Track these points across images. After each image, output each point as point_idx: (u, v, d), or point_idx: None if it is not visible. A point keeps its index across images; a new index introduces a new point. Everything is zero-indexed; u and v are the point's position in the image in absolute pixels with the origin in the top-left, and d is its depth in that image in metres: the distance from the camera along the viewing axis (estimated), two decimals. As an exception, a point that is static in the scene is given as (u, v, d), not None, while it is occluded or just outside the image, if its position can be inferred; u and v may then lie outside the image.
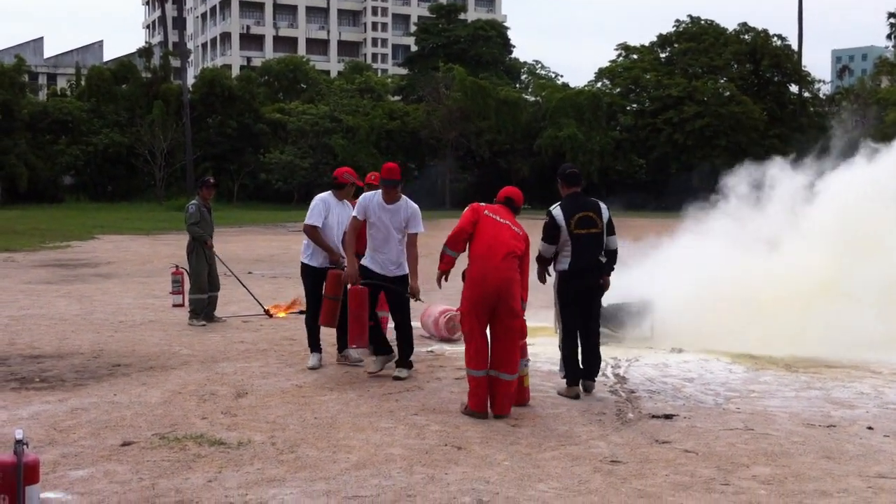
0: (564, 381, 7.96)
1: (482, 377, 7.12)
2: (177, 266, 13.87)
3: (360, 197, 8.42)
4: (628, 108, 70.66)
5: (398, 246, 8.33)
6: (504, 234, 7.24)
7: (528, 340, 7.69)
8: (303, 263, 9.09)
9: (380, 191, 8.33)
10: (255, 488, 5.37)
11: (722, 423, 6.91)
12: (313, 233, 8.87)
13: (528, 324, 8.42)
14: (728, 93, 67.96)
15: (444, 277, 7.57)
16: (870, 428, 6.76)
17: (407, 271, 8.39)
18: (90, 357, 9.42)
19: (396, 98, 72.90)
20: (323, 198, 9.06)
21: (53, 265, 20.65)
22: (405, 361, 8.51)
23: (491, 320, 7.20)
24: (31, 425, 6.61)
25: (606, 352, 9.76)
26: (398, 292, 8.41)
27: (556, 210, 7.90)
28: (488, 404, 7.12)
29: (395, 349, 8.64)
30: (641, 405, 7.50)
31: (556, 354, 9.51)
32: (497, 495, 5.25)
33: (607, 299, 10.47)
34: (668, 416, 7.11)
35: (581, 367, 7.93)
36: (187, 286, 12.92)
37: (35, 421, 6.82)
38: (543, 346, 9.86)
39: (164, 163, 55.52)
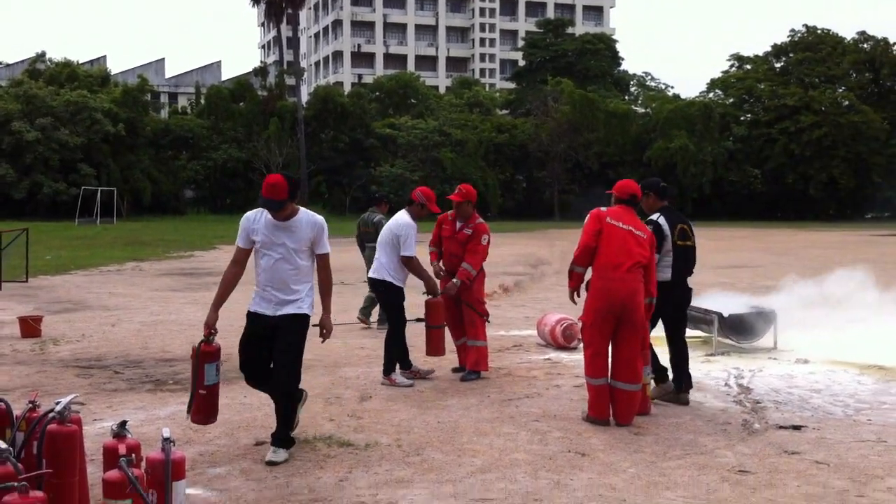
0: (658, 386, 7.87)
1: (602, 385, 7.11)
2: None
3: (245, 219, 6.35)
4: (742, 118, 69.20)
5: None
6: (629, 242, 7.12)
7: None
8: (393, 284, 8.68)
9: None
10: (384, 488, 5.51)
11: (853, 435, 6.73)
12: (412, 263, 8.59)
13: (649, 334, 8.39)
14: (847, 102, 65.92)
15: (576, 293, 7.48)
16: None
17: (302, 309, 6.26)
18: (219, 362, 9.76)
19: (504, 112, 73.22)
20: (411, 224, 8.66)
21: (178, 273, 21.48)
22: (281, 436, 6.22)
23: (614, 332, 7.17)
24: (168, 425, 6.89)
25: (729, 362, 9.65)
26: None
27: (662, 220, 7.79)
28: (610, 412, 7.10)
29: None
30: (768, 416, 7.35)
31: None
32: (624, 502, 5.24)
33: (729, 309, 10.37)
34: (796, 427, 6.95)
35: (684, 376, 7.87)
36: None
37: (172, 421, 7.12)
38: (662, 357, 9.72)
39: (279, 177, 57.01)
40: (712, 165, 62.99)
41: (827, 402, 7.87)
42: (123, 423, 4.37)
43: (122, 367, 9.63)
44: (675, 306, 7.89)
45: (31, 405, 5.00)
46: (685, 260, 7.90)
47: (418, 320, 12.09)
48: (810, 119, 63.18)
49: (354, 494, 5.40)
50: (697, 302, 11.39)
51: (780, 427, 6.97)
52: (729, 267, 23.39)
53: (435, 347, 8.71)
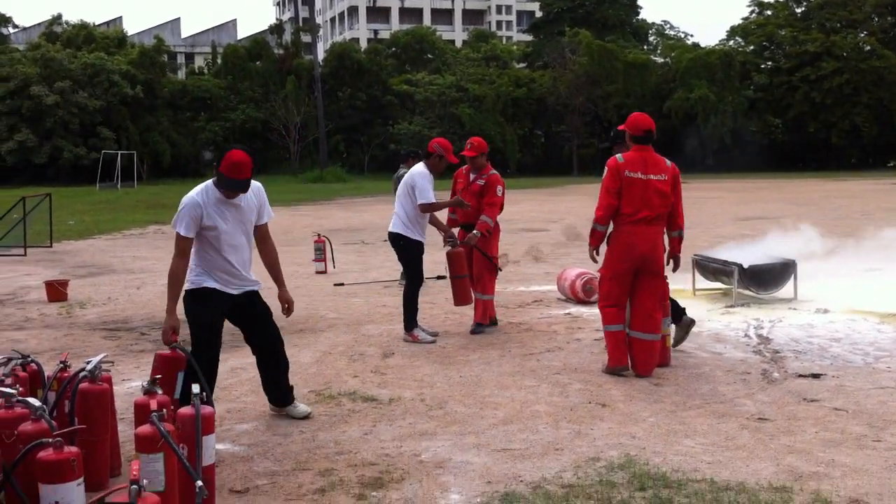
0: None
1: (619, 331, 7.14)
2: (318, 234, 14.40)
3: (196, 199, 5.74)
4: (762, 66, 68.33)
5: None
6: (649, 192, 6.99)
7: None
8: (409, 238, 8.59)
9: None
10: (408, 441, 5.62)
11: (872, 382, 6.77)
12: (431, 210, 8.56)
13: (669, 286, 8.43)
14: (869, 47, 64.87)
15: (595, 252, 7.39)
16: None
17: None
18: (243, 321, 9.90)
19: (522, 65, 72.61)
20: (425, 173, 8.59)
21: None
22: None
23: (633, 284, 7.20)
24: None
25: (749, 313, 9.69)
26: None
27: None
28: (628, 359, 7.16)
29: None
30: (787, 365, 7.41)
31: (696, 316, 9.49)
32: (644, 450, 5.33)
33: (749, 260, 10.39)
34: (815, 376, 7.00)
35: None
36: (328, 254, 13.91)
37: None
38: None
39: (297, 136, 57.17)
40: (733, 115, 62.36)
41: (846, 350, 7.91)
42: (154, 380, 4.49)
43: (148, 328, 9.79)
44: None
45: (61, 365, 5.14)
46: None
47: (439, 278, 12.19)
48: (832, 65, 62.27)
49: (379, 447, 5.52)
50: (717, 253, 11.44)
51: (800, 375, 7.03)
52: (751, 218, 23.30)
53: (462, 297, 8.75)
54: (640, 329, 7.13)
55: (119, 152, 49.71)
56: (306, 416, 6.12)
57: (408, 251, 8.73)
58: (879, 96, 61.92)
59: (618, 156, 7.14)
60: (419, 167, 8.73)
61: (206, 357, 5.64)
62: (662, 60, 70.11)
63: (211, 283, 5.72)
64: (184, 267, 5.60)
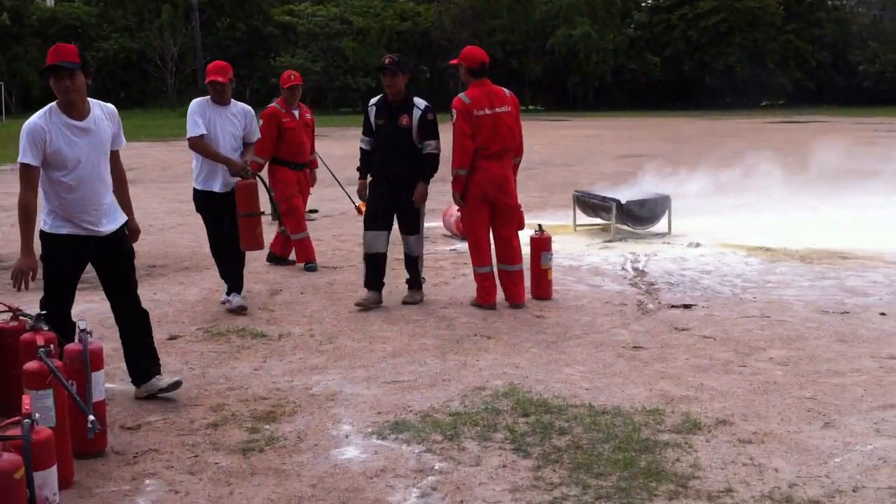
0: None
1: (487, 273, 7.45)
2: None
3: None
4: (643, 4, 69.42)
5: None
6: (498, 126, 7.21)
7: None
8: (196, 190, 7.40)
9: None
10: (299, 375, 5.72)
11: (739, 312, 7.20)
12: (199, 145, 7.18)
13: (548, 222, 8.71)
14: (744, -14, 66.51)
15: (461, 196, 7.46)
16: (882, 314, 7.03)
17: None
18: (126, 259, 9.73)
19: (407, -2, 71.68)
20: (199, 103, 7.33)
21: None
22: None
23: (491, 217, 7.43)
24: (77, 322, 6.93)
25: (626, 247, 10.07)
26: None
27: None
28: (495, 297, 7.44)
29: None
30: (661, 296, 7.78)
31: (576, 251, 9.83)
32: (527, 378, 5.57)
33: (627, 196, 10.77)
34: (686, 306, 7.39)
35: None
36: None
37: (80, 318, 7.14)
38: (563, 244, 10.11)
39: (174, 68, 55.31)
40: (613, 53, 63.37)
41: (716, 282, 8.35)
42: (39, 316, 4.44)
43: (25, 266, 9.50)
44: None
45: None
46: None
47: (310, 212, 11.93)
48: (709, 4, 63.68)
49: (270, 381, 5.60)
50: (597, 190, 11.81)
51: (672, 306, 7.41)
52: (630, 156, 23.93)
53: (247, 239, 7.10)
54: (504, 261, 7.47)
55: (-16, 83, 47.20)
56: (174, 386, 5.33)
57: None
58: (754, 37, 63.76)
59: (461, 95, 7.35)
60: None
61: (57, 309, 5.05)
62: (546, -4, 70.39)
63: (63, 228, 5.04)
64: (33, 200, 4.91)
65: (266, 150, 8.86)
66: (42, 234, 5.06)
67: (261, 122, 8.75)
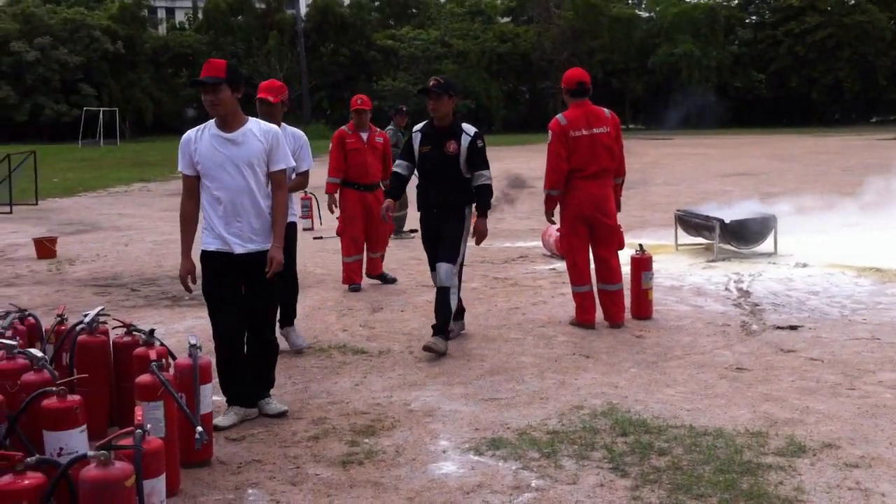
0: None
1: (586, 292, 7.41)
2: (305, 191, 14.45)
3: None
4: (747, 20, 68.14)
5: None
6: (596, 147, 7.19)
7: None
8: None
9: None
10: (398, 391, 5.79)
11: (848, 334, 6.98)
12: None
13: (649, 241, 8.61)
14: (853, 1, 64.66)
15: (552, 215, 7.63)
16: None
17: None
18: (232, 277, 10.04)
19: (506, 20, 72.06)
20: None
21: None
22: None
23: (590, 236, 7.40)
24: (188, 337, 7.17)
25: (729, 267, 9.88)
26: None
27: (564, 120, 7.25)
28: (595, 316, 7.40)
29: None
30: (765, 317, 7.60)
31: (678, 271, 9.68)
32: (626, 398, 5.52)
33: (730, 216, 10.57)
34: (792, 328, 7.20)
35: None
36: (315, 210, 14.07)
37: (190, 334, 7.38)
38: (664, 263, 9.98)
39: (281, 92, 56.63)
40: (717, 70, 62.35)
41: (824, 303, 8.11)
42: (152, 332, 4.62)
43: (138, 284, 9.90)
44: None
45: (59, 319, 5.26)
46: None
47: (412, 231, 12.17)
48: (815, 20, 62.11)
49: (370, 397, 5.68)
50: (700, 209, 11.62)
51: (778, 327, 7.22)
52: (734, 174, 23.47)
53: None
54: (603, 281, 7.43)
55: (101, 109, 49.29)
56: (281, 414, 5.33)
57: None
58: (863, 51, 61.86)
59: (559, 116, 7.32)
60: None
61: (218, 328, 5.19)
62: (647, 15, 69.77)
63: (212, 245, 5.15)
64: (190, 207, 5.20)
65: (337, 171, 9.23)
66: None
67: (330, 145, 9.30)
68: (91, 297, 9.09)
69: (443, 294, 6.70)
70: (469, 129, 6.86)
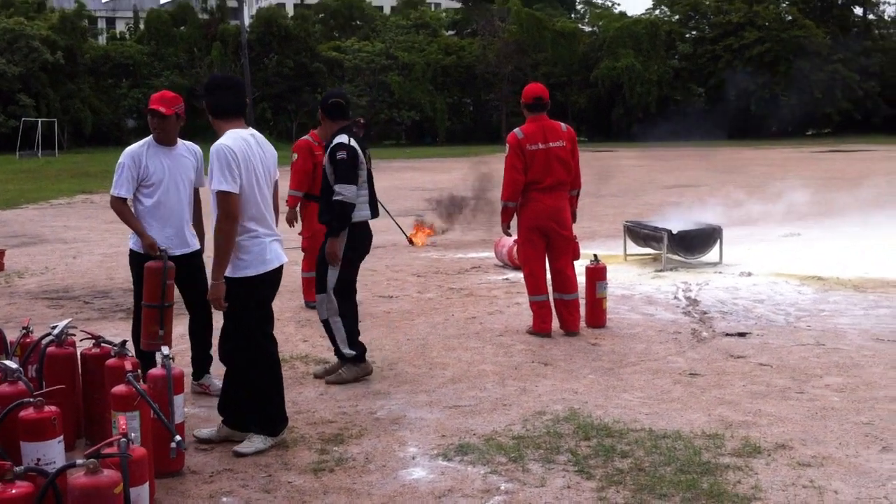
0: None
1: (543, 301, 7.58)
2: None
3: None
4: (687, 35, 69.47)
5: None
6: (551, 160, 7.37)
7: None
8: (130, 250, 6.05)
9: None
10: (363, 400, 5.89)
11: (794, 340, 7.24)
12: (119, 207, 5.98)
13: (598, 252, 8.83)
14: (790, 17, 66.35)
15: (507, 227, 7.77)
16: (938, 342, 7.04)
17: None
18: (187, 289, 10.01)
19: (451, 33, 72.52)
20: (133, 152, 5.92)
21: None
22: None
23: (547, 247, 7.58)
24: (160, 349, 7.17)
25: (677, 277, 10.14)
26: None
27: (354, 142, 6.24)
28: (551, 327, 7.57)
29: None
30: (714, 325, 7.85)
31: (628, 280, 9.92)
32: (586, 404, 5.69)
33: (677, 226, 10.85)
34: (741, 334, 7.45)
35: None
36: None
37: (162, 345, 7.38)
38: (614, 273, 10.20)
39: (223, 104, 56.15)
40: (658, 84, 63.44)
41: (769, 310, 8.39)
42: (123, 343, 4.66)
43: (90, 297, 9.83)
44: (363, 250, 6.54)
45: (24, 331, 5.26)
46: (373, 192, 6.53)
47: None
48: (754, 35, 63.62)
49: (336, 406, 5.77)
50: (648, 220, 11.89)
51: (727, 334, 7.47)
52: (676, 186, 23.96)
53: (143, 334, 5.61)
54: (560, 290, 7.62)
55: (39, 120, 48.38)
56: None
57: None
58: (799, 66, 63.45)
59: (516, 130, 7.52)
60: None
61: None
62: (590, 29, 70.74)
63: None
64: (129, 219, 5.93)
65: (304, 184, 8.42)
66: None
67: (294, 155, 8.51)
68: (44, 310, 9.02)
69: (325, 327, 6.48)
70: (337, 139, 6.26)
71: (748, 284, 9.64)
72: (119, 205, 5.91)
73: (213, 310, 5.40)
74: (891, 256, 11.02)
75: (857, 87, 63.45)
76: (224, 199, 4.79)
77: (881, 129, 60.68)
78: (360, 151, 6.21)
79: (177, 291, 5.86)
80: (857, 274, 9.96)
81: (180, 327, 7.76)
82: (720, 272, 10.39)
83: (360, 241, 6.37)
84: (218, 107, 5.08)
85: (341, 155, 6.11)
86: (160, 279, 5.50)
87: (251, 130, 5.14)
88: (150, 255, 5.68)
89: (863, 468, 4.53)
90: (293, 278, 10.05)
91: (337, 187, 6.10)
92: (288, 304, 9.01)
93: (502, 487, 4.40)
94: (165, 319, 5.54)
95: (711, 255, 10.97)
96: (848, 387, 5.93)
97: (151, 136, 5.96)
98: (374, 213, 6.48)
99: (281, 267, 5.19)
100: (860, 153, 39.25)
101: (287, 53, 60.89)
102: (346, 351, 6.33)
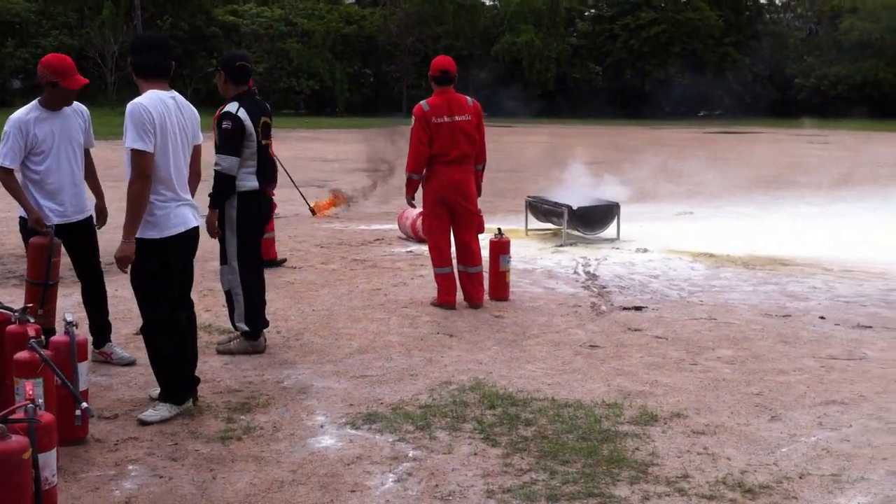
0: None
1: (448, 274, 7.69)
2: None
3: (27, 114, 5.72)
4: (586, 13, 70.52)
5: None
6: (457, 134, 7.45)
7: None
8: (20, 217, 5.87)
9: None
10: (269, 369, 5.89)
11: (687, 314, 7.53)
12: (4, 179, 5.69)
13: (502, 226, 8.97)
14: (685, -1, 68.06)
15: (412, 198, 7.86)
16: (822, 318, 7.42)
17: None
18: (83, 256, 9.74)
19: (352, 1, 71.79)
20: (19, 120, 5.68)
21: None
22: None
23: (452, 220, 7.68)
24: (63, 314, 6.98)
25: (576, 252, 10.38)
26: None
27: (242, 112, 6.06)
28: (455, 297, 7.69)
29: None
30: (612, 299, 8.09)
31: (529, 255, 10.11)
32: (491, 374, 5.81)
33: (577, 202, 11.09)
34: (637, 308, 7.71)
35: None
36: None
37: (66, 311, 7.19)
38: (516, 248, 10.34)
39: (115, 66, 54.48)
40: (556, 61, 64.25)
41: (664, 286, 8.69)
42: (25, 309, 4.54)
43: (-17, 262, 9.49)
44: (258, 219, 6.39)
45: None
46: (270, 162, 6.46)
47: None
48: (650, 15, 65.06)
49: (241, 375, 5.76)
50: (549, 195, 12.12)
51: (624, 308, 7.72)
52: (575, 163, 24.34)
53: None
54: (464, 263, 7.74)
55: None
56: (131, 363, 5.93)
57: None
58: (693, 47, 65.14)
59: (422, 103, 7.57)
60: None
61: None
62: (491, 3, 71.05)
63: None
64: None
65: None
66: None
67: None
68: (-69, 276, 8.67)
69: (227, 297, 6.46)
70: (228, 106, 6.13)
71: (644, 260, 9.94)
72: (5, 176, 5.65)
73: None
74: (778, 235, 11.52)
75: (748, 70, 65.56)
76: (139, 157, 4.74)
77: (770, 112, 62.91)
78: (247, 123, 6.05)
79: (65, 263, 5.76)
80: (746, 251, 10.39)
81: (76, 295, 7.60)
82: (618, 248, 10.68)
83: (250, 210, 6.24)
84: (143, 66, 4.96)
85: (226, 125, 6.03)
86: (46, 256, 5.35)
87: (173, 93, 5.04)
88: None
89: (753, 436, 4.78)
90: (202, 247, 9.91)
91: (217, 157, 6.03)
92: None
93: (410, 454, 4.48)
94: (48, 297, 5.39)
95: (609, 231, 11.27)
96: (738, 359, 6.22)
97: (38, 100, 5.74)
98: (266, 182, 6.31)
99: (192, 231, 5.12)
100: (750, 135, 40.63)
101: (182, 16, 59.35)
102: (241, 325, 6.31)
